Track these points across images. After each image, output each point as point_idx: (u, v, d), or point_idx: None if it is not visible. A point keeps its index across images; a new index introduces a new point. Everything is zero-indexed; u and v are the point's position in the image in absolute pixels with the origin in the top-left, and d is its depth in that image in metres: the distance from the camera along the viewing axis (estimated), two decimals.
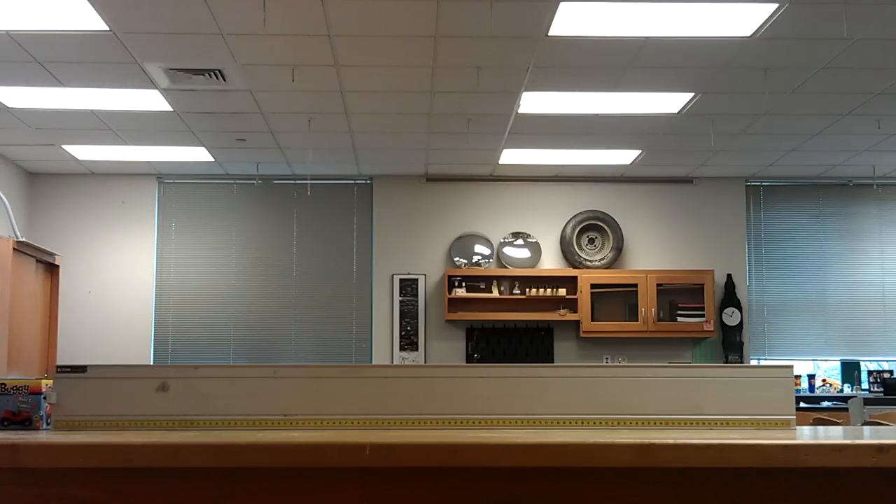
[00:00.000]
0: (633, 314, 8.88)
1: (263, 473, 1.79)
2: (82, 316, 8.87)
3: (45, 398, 2.38)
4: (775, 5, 4.95)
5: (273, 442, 1.79)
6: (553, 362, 8.81)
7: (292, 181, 9.15)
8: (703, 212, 9.27)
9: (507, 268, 9.08)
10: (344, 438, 1.86)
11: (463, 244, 9.17)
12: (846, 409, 7.60)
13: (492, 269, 9.04)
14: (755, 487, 1.81)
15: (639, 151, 8.20)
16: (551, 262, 9.17)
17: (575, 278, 8.89)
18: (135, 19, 5.13)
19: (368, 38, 5.43)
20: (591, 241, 9.21)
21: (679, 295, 8.96)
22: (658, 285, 8.88)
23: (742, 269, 9.22)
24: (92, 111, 6.90)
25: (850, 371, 9.22)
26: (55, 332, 7.85)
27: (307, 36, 5.37)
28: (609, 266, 9.10)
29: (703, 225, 9.26)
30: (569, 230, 9.14)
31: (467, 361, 8.81)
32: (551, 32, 5.30)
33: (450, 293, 8.83)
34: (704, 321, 8.85)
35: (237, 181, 9.16)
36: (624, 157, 8.38)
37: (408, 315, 9.03)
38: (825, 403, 8.70)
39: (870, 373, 9.18)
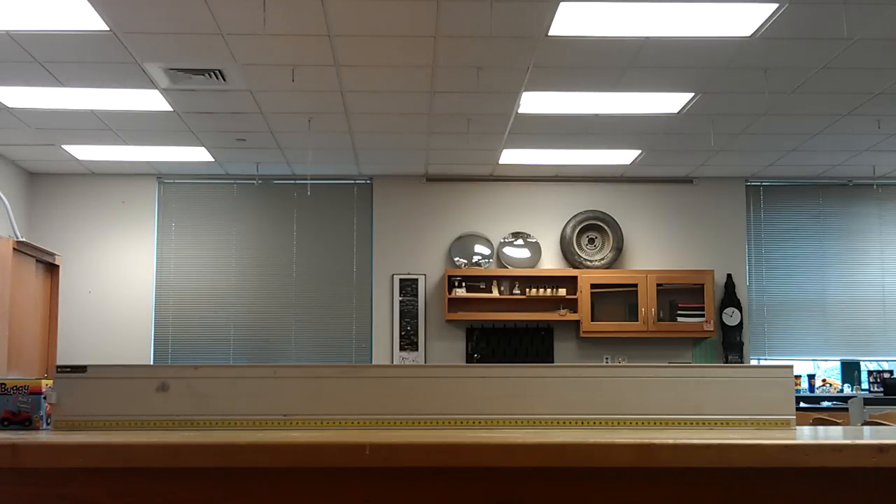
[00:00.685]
0: (633, 314, 8.88)
1: (263, 473, 1.79)
2: (82, 316, 8.86)
3: (45, 398, 2.38)
4: (775, 5, 4.95)
5: (273, 442, 1.79)
6: (553, 362, 8.80)
7: (292, 181, 9.15)
8: (703, 212, 9.27)
9: (507, 268, 9.08)
10: (344, 438, 1.86)
11: (463, 244, 9.17)
12: (846, 409, 7.59)
13: (492, 269, 9.04)
14: (755, 487, 1.81)
15: (639, 151, 8.20)
16: (551, 262, 9.17)
17: (575, 278, 8.89)
18: (135, 19, 5.13)
19: (368, 38, 5.43)
20: (591, 241, 9.21)
21: (679, 295, 8.96)
22: (658, 285, 8.88)
23: (742, 269, 9.22)
24: (92, 111, 6.90)
25: (850, 371, 9.21)
26: (55, 332, 7.86)
27: (307, 36, 5.37)
28: (609, 266, 9.10)
29: (703, 225, 9.26)
30: (569, 230, 9.14)
31: (467, 361, 8.81)
32: (551, 32, 5.30)
33: (450, 293, 8.83)
34: (704, 321, 8.85)
35: (237, 181, 9.16)
36: (624, 157, 8.38)
37: (408, 315, 9.03)
38: (825, 403, 8.70)
39: (870, 373, 9.18)
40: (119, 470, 1.76)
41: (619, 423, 2.39)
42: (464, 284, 8.88)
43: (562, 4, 4.92)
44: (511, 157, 8.34)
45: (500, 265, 9.12)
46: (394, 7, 4.99)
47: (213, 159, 8.44)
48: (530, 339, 9.00)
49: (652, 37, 5.40)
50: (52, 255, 7.83)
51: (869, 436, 2.06)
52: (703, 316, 8.85)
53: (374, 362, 8.77)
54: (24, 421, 2.36)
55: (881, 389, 8.70)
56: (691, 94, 6.52)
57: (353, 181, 9.22)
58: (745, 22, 5.17)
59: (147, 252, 9.04)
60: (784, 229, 9.33)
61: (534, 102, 6.65)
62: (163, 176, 9.11)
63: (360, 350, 9.06)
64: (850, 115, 7.01)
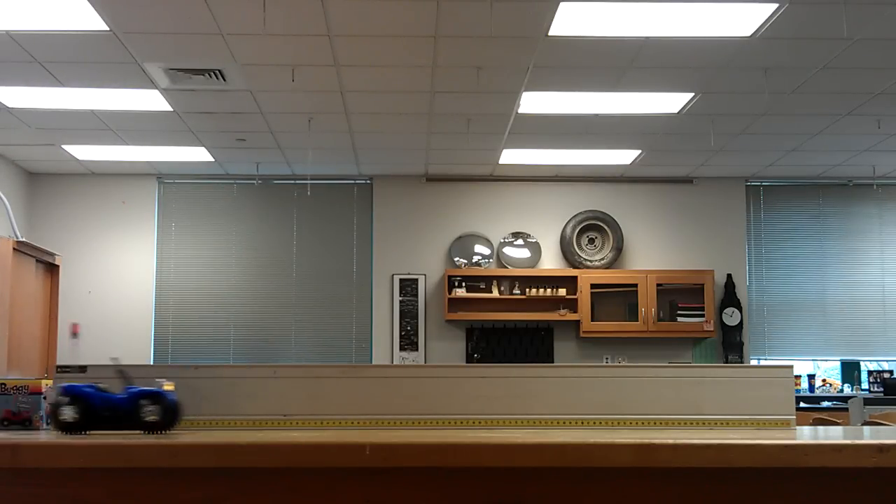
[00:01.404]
0: (633, 314, 8.88)
1: (263, 473, 1.79)
2: (82, 316, 8.86)
3: (45, 398, 2.38)
4: (775, 5, 4.95)
5: (273, 442, 1.79)
6: (553, 362, 8.80)
7: (292, 181, 9.14)
8: (703, 212, 9.27)
9: (507, 268, 9.08)
10: (344, 438, 1.86)
11: (463, 244, 9.16)
12: (846, 409, 7.60)
13: (492, 269, 9.04)
14: (755, 487, 1.81)
15: (639, 151, 8.20)
16: (551, 262, 9.17)
17: (575, 278, 8.89)
18: (135, 19, 5.13)
19: (368, 38, 5.43)
20: (591, 241, 9.21)
21: (679, 295, 8.96)
22: (658, 285, 8.88)
23: (742, 269, 9.22)
24: (92, 111, 6.90)
25: (850, 371, 9.21)
26: (55, 332, 7.85)
27: (307, 36, 5.37)
28: (609, 266, 9.10)
29: (703, 225, 9.26)
30: (569, 230, 9.14)
31: (467, 361, 8.81)
32: (551, 32, 5.30)
33: (450, 293, 8.83)
34: (704, 321, 8.85)
35: (237, 181, 9.16)
36: (624, 157, 8.39)
37: (408, 315, 9.03)
38: (825, 403, 8.70)
39: (870, 373, 9.18)
40: (119, 470, 1.76)
41: (619, 423, 2.39)
42: (464, 284, 8.88)
43: (562, 4, 4.92)
44: (511, 157, 8.34)
45: (500, 265, 9.12)
46: (394, 7, 4.99)
47: (213, 159, 8.44)
48: (530, 339, 9.00)
49: (652, 37, 5.40)
50: (52, 255, 7.83)
51: (869, 436, 2.06)
52: (703, 316, 8.85)
53: (374, 362, 8.77)
54: (24, 421, 2.36)
55: (881, 389, 8.70)
56: (691, 94, 6.52)
57: (353, 181, 9.22)
58: (745, 22, 5.17)
59: (147, 252, 9.04)
60: (784, 229, 9.33)
61: (534, 102, 6.65)
62: (163, 176, 9.11)
63: (360, 350, 9.06)
64: (850, 115, 7.01)
